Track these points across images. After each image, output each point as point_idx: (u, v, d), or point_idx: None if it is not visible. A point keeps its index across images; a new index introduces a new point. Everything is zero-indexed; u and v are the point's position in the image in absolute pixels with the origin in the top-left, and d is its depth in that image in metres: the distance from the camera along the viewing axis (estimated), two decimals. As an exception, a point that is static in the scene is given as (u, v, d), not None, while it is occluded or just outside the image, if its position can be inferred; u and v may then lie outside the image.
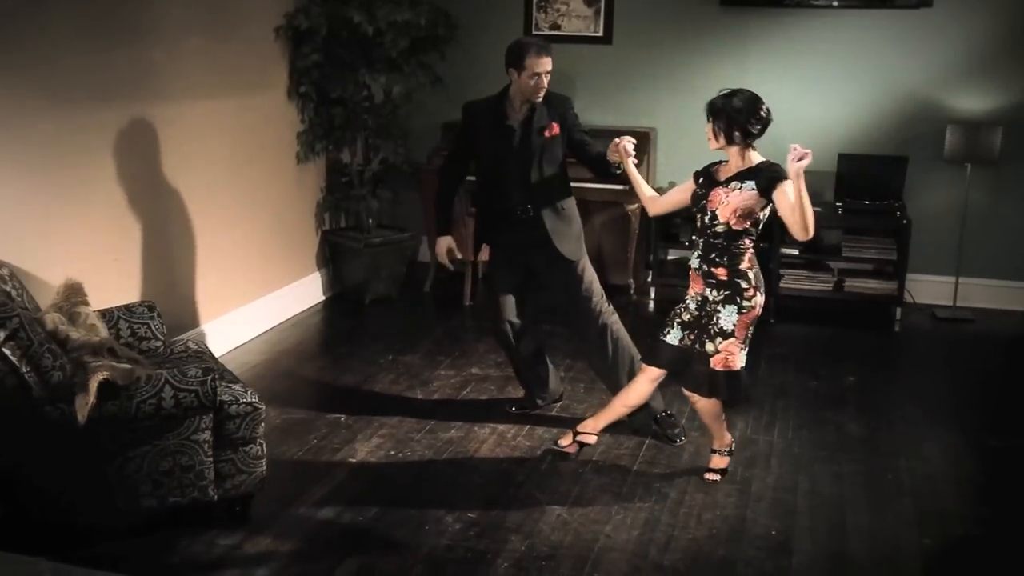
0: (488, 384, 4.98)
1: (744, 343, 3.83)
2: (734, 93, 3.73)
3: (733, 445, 4.11)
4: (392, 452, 4.22)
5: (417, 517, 3.65)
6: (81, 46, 4.21)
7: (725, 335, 3.79)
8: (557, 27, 6.76)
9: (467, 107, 4.36)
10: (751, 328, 3.83)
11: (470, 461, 4.14)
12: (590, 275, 4.37)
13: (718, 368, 3.82)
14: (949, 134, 6.06)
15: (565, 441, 4.23)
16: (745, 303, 3.77)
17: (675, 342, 3.94)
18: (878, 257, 6.17)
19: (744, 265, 3.77)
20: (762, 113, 3.69)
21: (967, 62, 6.21)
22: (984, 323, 6.18)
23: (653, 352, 4.05)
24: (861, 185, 6.25)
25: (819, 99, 6.46)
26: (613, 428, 4.38)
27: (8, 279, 3.55)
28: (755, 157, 3.76)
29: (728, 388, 3.85)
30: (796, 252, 6.24)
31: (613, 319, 4.36)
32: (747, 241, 3.77)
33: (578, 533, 3.58)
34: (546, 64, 4.11)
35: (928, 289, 6.45)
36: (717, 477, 4.01)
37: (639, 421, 4.34)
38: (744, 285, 3.77)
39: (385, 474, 4.02)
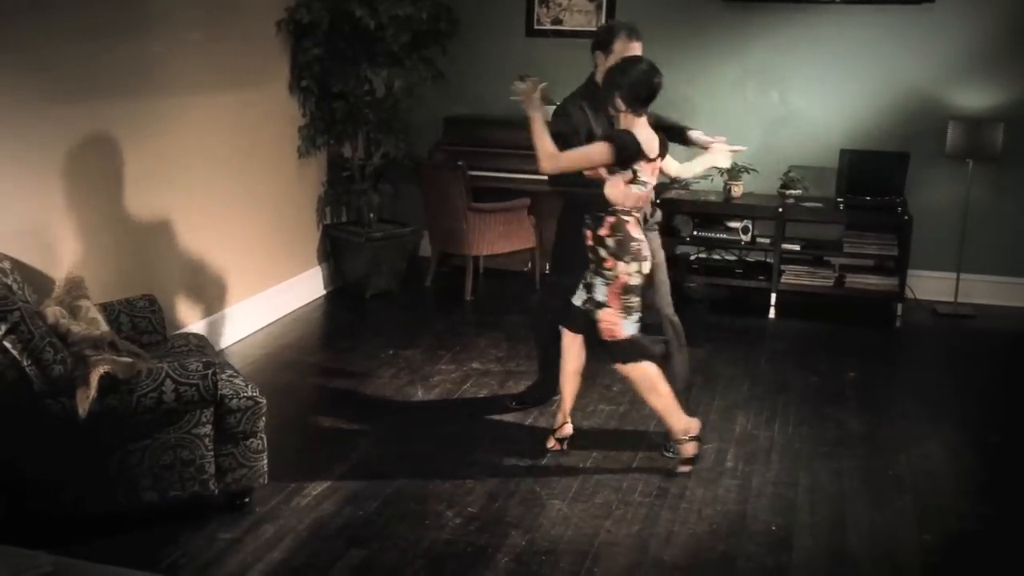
0: (489, 379, 4.98)
1: (624, 311, 3.86)
2: (626, 63, 3.79)
3: (697, 429, 4.02)
4: (393, 446, 4.22)
5: (417, 511, 3.66)
6: (81, 41, 4.20)
7: (600, 306, 3.87)
8: (559, 22, 6.75)
9: (579, 104, 4.11)
10: (630, 296, 3.85)
11: (470, 456, 4.14)
12: (664, 270, 4.28)
13: (606, 337, 3.90)
14: (951, 130, 6.06)
15: (550, 443, 4.23)
16: (608, 272, 3.83)
17: (578, 303, 4.00)
18: (879, 253, 6.16)
19: (603, 231, 3.82)
20: (643, 89, 3.72)
21: (969, 58, 6.20)
22: (985, 319, 6.18)
23: (565, 312, 4.09)
24: (863, 181, 6.25)
25: (821, 95, 6.46)
26: (614, 425, 4.38)
27: (9, 272, 3.54)
28: (636, 124, 3.79)
29: (617, 355, 3.92)
30: (797, 248, 6.24)
31: (670, 311, 4.29)
32: (608, 206, 3.80)
33: (578, 528, 3.58)
34: (635, 50, 4.01)
35: (929, 285, 6.45)
36: (688, 468, 3.97)
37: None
38: (603, 254, 3.83)
39: (386, 468, 4.02)
